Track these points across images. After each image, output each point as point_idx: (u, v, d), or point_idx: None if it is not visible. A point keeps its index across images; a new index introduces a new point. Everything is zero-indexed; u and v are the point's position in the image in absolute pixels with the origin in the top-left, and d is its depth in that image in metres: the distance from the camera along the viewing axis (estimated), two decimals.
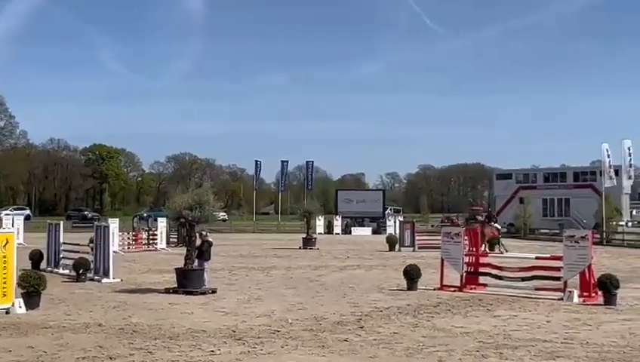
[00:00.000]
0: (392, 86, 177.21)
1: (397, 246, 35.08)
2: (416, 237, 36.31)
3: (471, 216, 40.58)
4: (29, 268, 20.47)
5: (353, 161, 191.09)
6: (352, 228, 58.97)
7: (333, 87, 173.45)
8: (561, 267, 16.43)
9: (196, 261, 17.59)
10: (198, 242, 18.00)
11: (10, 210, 68.66)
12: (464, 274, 17.98)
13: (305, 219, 40.19)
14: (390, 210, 76.16)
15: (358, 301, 15.90)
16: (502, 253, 27.66)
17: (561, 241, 17.66)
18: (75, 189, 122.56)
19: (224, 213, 41.16)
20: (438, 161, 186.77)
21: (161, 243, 34.78)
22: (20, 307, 13.75)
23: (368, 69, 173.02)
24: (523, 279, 17.25)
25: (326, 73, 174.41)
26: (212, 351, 10.14)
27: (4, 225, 36.43)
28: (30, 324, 12.38)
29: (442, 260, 18.57)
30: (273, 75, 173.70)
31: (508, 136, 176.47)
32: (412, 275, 18.02)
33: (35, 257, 22.90)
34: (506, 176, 60.72)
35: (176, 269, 17.82)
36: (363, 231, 57.88)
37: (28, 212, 78.23)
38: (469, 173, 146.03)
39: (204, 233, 18.46)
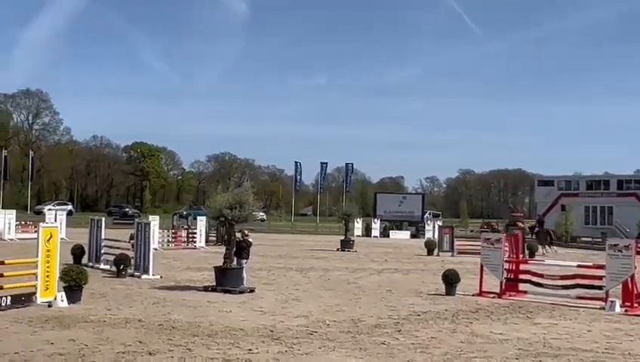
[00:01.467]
0: (433, 90, 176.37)
1: (435, 251, 34.89)
2: (455, 242, 36.06)
3: (511, 222, 40.26)
4: (72, 262, 20.77)
5: (392, 164, 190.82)
6: (391, 232, 58.81)
7: (373, 90, 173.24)
8: (604, 276, 16.19)
9: (235, 260, 17.69)
10: (239, 237, 18.08)
11: (53, 205, 69.83)
12: (504, 281, 17.81)
13: (343, 221, 40.21)
14: (429, 214, 75.78)
15: (396, 304, 15.84)
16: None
17: (603, 250, 17.41)
18: (116, 186, 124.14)
19: (263, 213, 41.31)
20: (478, 166, 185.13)
21: (200, 241, 35.03)
22: (62, 300, 13.94)
23: (408, 72, 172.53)
24: (564, 287, 17.03)
25: (367, 76, 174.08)
26: (250, 350, 10.19)
27: (47, 220, 37.03)
28: (72, 318, 12.55)
29: (482, 266, 18.41)
30: (313, 77, 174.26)
31: (550, 143, 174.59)
32: (451, 280, 17.91)
33: (77, 252, 23.23)
34: (547, 182, 60.06)
35: (215, 268, 17.93)
36: (401, 235, 57.71)
37: (70, 207, 79.34)
38: (509, 179, 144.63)
39: (246, 232, 18.53)
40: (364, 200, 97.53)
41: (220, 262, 18.02)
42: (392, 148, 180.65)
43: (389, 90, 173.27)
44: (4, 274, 13.78)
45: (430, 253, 34.64)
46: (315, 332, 11.95)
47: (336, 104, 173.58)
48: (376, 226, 58.95)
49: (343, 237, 38.35)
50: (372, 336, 11.67)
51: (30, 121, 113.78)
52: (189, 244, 34.49)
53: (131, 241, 22.09)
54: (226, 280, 17.27)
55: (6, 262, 14.61)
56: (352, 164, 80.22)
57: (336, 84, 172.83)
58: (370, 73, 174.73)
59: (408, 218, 62.47)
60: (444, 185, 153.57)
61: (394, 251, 37.25)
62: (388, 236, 57.36)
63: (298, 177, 78.67)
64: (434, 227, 46.95)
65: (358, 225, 55.87)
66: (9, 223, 38.02)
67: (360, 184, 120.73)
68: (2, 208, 49.59)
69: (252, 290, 17.21)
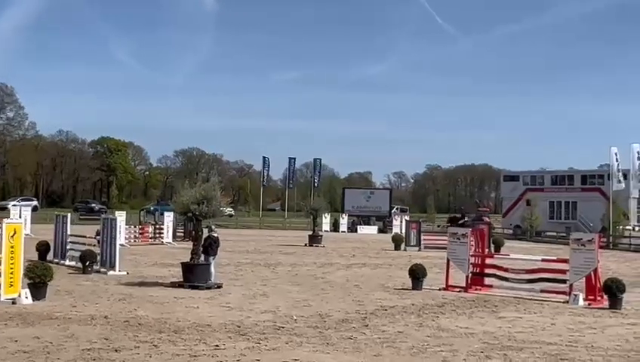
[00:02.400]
0: (401, 86, 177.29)
1: (403, 246, 35.08)
2: (422, 237, 36.31)
3: (477, 217, 40.65)
4: (36, 259, 20.57)
5: (361, 159, 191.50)
6: (358, 227, 58.99)
7: (342, 86, 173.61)
8: (567, 270, 16.41)
9: (202, 256, 17.62)
10: (206, 234, 18.01)
11: (18, 201, 68.89)
12: (470, 275, 17.97)
13: (311, 217, 40.27)
14: (396, 209, 76.16)
15: (363, 299, 15.91)
16: None
17: (567, 244, 17.63)
18: (82, 181, 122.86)
19: (231, 209, 41.22)
20: (445, 161, 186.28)
21: (167, 237, 34.88)
22: (27, 297, 13.81)
23: (378, 68, 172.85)
24: (529, 281, 17.23)
25: (336, 71, 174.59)
26: (217, 346, 10.17)
27: (11, 216, 36.56)
28: (36, 315, 12.44)
29: (448, 260, 18.56)
30: (283, 73, 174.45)
31: (516, 139, 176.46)
32: (417, 275, 18.03)
33: (42, 248, 23.00)
34: (513, 177, 60.54)
35: (182, 263, 17.86)
36: (369, 230, 57.91)
37: (35, 203, 78.32)
38: (476, 174, 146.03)
39: (212, 227, 18.45)
40: (332, 196, 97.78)
41: (187, 258, 17.95)
42: (360, 143, 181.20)
43: (358, 85, 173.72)
44: None
45: (397, 247, 34.82)
46: (283, 327, 11.96)
47: (306, 99, 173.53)
48: (344, 221, 59.14)
49: (311, 233, 38.41)
50: (339, 331, 11.71)
51: None
52: (157, 240, 34.34)
53: (97, 237, 21.91)
54: (194, 276, 17.21)
55: None
56: (320, 159, 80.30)
57: (307, 79, 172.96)
58: (341, 69, 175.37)
59: (376, 213, 62.69)
60: (412, 181, 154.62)
61: (362, 246, 37.39)
62: (356, 231, 57.54)
63: (266, 172, 78.49)
64: (401, 222, 47.21)
65: (326, 221, 55.97)
66: None
67: (328, 179, 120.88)
68: None
69: (219, 286, 17.17)
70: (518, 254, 24.53)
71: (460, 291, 17.56)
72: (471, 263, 18.15)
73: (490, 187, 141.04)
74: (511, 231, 54.15)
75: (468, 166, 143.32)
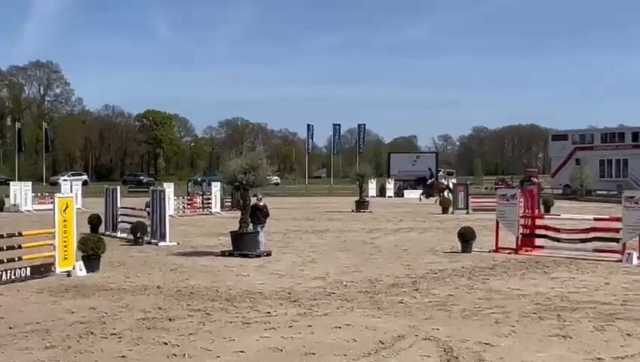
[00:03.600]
0: (443, 48, 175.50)
1: (450, 209, 34.88)
2: (470, 200, 36.04)
3: (526, 178, 40.14)
4: (89, 232, 20.92)
5: (405, 123, 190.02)
6: (405, 191, 58.72)
7: (383, 50, 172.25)
8: (620, 228, 16.13)
9: (251, 224, 17.71)
10: (255, 202, 18.07)
11: (68, 176, 70.14)
12: (520, 236, 17.78)
13: (357, 183, 40.17)
14: (443, 172, 75.61)
15: (413, 263, 15.87)
16: None
17: (618, 203, 17.30)
18: (130, 155, 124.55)
19: (277, 177, 41.44)
20: (492, 122, 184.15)
21: (215, 207, 35.15)
22: (81, 270, 14.05)
23: (419, 30, 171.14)
24: (581, 241, 16.99)
25: (376, 36, 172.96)
26: (268, 313, 10.24)
27: (62, 191, 37.22)
28: (91, 286, 12.66)
29: (497, 222, 18.38)
30: (324, 39, 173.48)
31: (564, 97, 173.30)
32: (466, 237, 17.91)
33: (94, 221, 23.38)
34: (561, 137, 59.61)
35: (231, 232, 17.98)
36: (416, 194, 57.54)
37: (85, 177, 79.74)
38: (523, 135, 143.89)
39: (259, 196, 18.51)
40: (378, 161, 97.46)
41: (235, 227, 18.07)
42: (405, 107, 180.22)
43: (400, 49, 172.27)
44: (23, 245, 13.88)
45: (445, 211, 34.65)
46: (333, 293, 11.99)
47: (349, 65, 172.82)
48: (390, 186, 58.90)
49: (357, 198, 38.36)
50: (390, 296, 11.70)
51: (42, 93, 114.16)
52: (205, 210, 34.63)
53: (147, 209, 22.18)
54: (243, 244, 17.33)
55: (24, 233, 14.73)
56: (364, 124, 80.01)
57: (348, 44, 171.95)
58: (382, 33, 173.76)
59: (422, 177, 62.29)
60: (458, 143, 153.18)
61: (409, 210, 37.26)
62: (402, 196, 57.31)
63: (311, 140, 78.50)
64: (448, 185, 46.84)
65: (372, 186, 55.85)
66: (25, 195, 38.27)
67: (373, 145, 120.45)
68: (18, 180, 49.95)
69: (269, 254, 17.28)
70: (569, 214, 24.17)
71: (510, 253, 17.40)
72: (521, 224, 17.95)
73: (538, 147, 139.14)
74: (560, 191, 53.45)
75: (515, 126, 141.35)
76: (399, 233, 23.85)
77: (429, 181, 49.74)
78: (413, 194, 57.13)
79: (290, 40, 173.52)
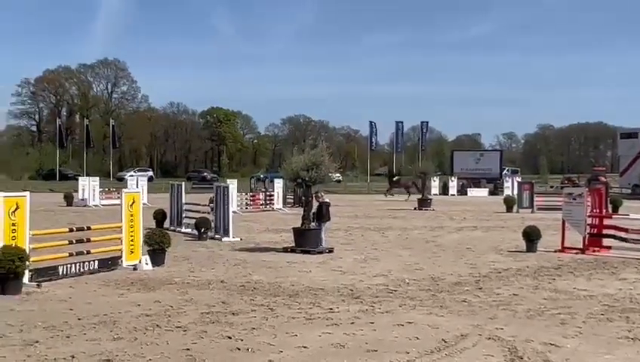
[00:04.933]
0: (507, 46, 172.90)
1: (515, 208, 34.40)
2: (535, 199, 35.46)
3: (593, 177, 39.35)
4: (154, 226, 21.28)
5: (469, 121, 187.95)
6: (468, 190, 58.14)
7: (447, 48, 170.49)
8: None
9: (313, 221, 17.73)
10: (315, 205, 18.12)
11: (134, 172, 71.58)
12: (587, 236, 17.41)
13: (420, 180, 39.92)
14: (508, 170, 74.58)
15: (476, 262, 15.69)
16: None
17: None
18: (194, 151, 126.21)
19: (339, 175, 41.52)
20: (558, 120, 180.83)
21: (277, 203, 35.38)
22: (147, 264, 14.31)
23: (483, 28, 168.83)
24: None
25: (439, 33, 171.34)
26: (331, 309, 10.26)
27: (129, 186, 37.97)
28: (156, 280, 12.88)
29: (563, 221, 18.03)
30: (387, 36, 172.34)
31: (632, 95, 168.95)
32: (532, 236, 17.63)
33: (159, 216, 23.78)
34: (631, 134, 58.02)
35: (293, 229, 18.07)
36: (479, 193, 57.02)
37: (151, 173, 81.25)
38: (590, 133, 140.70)
39: (320, 194, 18.54)
40: (441, 159, 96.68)
41: (297, 224, 18.15)
42: (468, 105, 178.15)
43: (463, 46, 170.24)
44: (91, 239, 14.19)
45: (509, 209, 34.20)
46: (395, 290, 11.95)
47: (411, 62, 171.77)
48: (453, 184, 58.38)
49: (420, 196, 38.13)
50: (453, 294, 11.60)
51: (109, 90, 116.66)
52: (267, 207, 34.89)
53: (211, 205, 22.44)
54: (305, 240, 17.40)
55: (92, 227, 15.07)
56: (427, 122, 79.49)
57: (410, 41, 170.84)
58: (445, 30, 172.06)
59: (486, 175, 61.64)
60: (523, 141, 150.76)
61: (472, 209, 36.86)
62: (466, 194, 56.75)
63: (373, 137, 78.30)
64: (513, 184, 46.22)
65: (435, 184, 55.44)
66: (93, 190, 39.16)
67: (436, 142, 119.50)
68: (86, 175, 51.13)
69: (331, 251, 17.30)
70: (638, 214, 23.53)
71: (576, 253, 17.06)
72: (588, 224, 17.57)
73: (606, 146, 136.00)
74: (629, 191, 52.12)
75: (582, 124, 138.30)
76: (462, 231, 23.62)
77: (395, 178, 51.00)
78: (476, 193, 56.61)
79: (352, 37, 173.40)
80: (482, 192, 57.38)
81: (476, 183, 60.35)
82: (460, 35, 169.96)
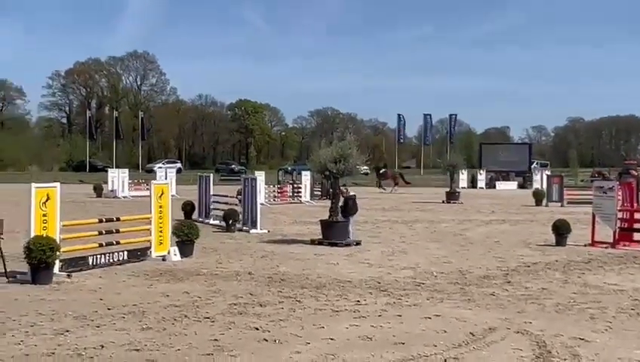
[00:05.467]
0: (536, 38, 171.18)
1: (544, 201, 34.11)
2: (565, 192, 35.14)
3: (624, 171, 38.86)
4: (182, 218, 21.42)
5: (497, 114, 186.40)
6: (497, 183, 57.75)
7: (476, 40, 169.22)
8: None
9: (340, 215, 17.72)
10: (342, 200, 18.08)
11: (163, 164, 72.08)
12: (617, 230, 17.22)
13: (448, 173, 39.74)
14: (537, 164, 73.96)
15: (504, 256, 15.59)
16: None
17: None
18: (222, 143, 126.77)
19: (366, 167, 41.42)
20: (588, 113, 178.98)
21: (305, 195, 35.43)
22: (175, 255, 14.41)
23: (512, 21, 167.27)
24: None
25: (468, 25, 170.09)
26: (358, 301, 10.26)
27: (158, 178, 38.25)
28: (185, 271, 12.97)
29: (593, 215, 17.85)
30: (415, 28, 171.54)
31: None
32: (561, 230, 17.46)
33: (188, 208, 23.94)
34: None
35: (321, 221, 18.08)
36: (508, 186, 56.63)
37: (179, 165, 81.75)
38: (621, 125, 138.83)
39: (344, 190, 18.49)
40: (469, 152, 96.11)
41: (325, 216, 18.16)
42: (497, 98, 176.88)
43: (492, 38, 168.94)
44: (121, 230, 14.32)
45: (538, 203, 33.92)
46: (423, 283, 11.92)
47: (439, 54, 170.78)
48: (481, 177, 58.04)
49: (448, 189, 37.95)
50: (481, 288, 11.54)
51: (138, 83, 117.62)
52: (295, 199, 34.97)
53: (239, 197, 22.52)
54: (333, 233, 17.40)
55: (122, 218, 15.21)
56: (455, 115, 79.17)
57: (439, 34, 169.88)
58: (474, 22, 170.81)
59: (515, 168, 61.19)
60: (552, 134, 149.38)
61: (501, 202, 36.63)
62: (494, 187, 56.37)
63: (403, 130, 78.07)
64: (542, 177, 45.84)
65: (463, 177, 55.12)
66: (122, 181, 39.52)
67: (464, 135, 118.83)
68: (115, 167, 51.60)
69: (358, 243, 17.29)
70: None
71: (606, 247, 16.87)
72: (618, 218, 17.38)
73: (637, 139, 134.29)
74: None
75: (612, 117, 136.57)
76: (491, 225, 23.48)
77: (382, 170, 51.75)
78: (505, 186, 56.21)
79: (380, 29, 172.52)
80: (511, 185, 56.97)
81: (505, 176, 59.92)
82: (489, 28, 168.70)
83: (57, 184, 12.61)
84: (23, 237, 12.28)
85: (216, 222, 22.47)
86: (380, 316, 9.33)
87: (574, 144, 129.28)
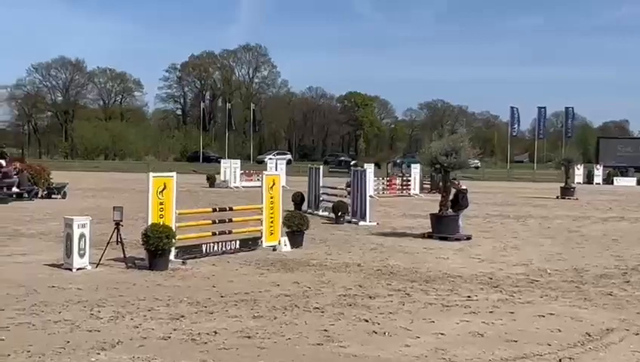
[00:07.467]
0: None
1: None
2: None
3: None
4: (292, 209, 21.66)
5: (616, 107, 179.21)
6: (615, 178, 55.62)
7: (591, 29, 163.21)
8: None
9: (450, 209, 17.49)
10: (453, 193, 17.85)
11: (274, 155, 73.10)
12: None
13: (563, 168, 38.55)
14: None
15: (623, 254, 14.99)
16: None
17: None
18: (331, 135, 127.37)
19: (477, 161, 40.78)
20: None
21: (414, 189, 35.17)
22: (286, 245, 14.58)
23: (628, 8, 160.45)
24: None
25: (582, 14, 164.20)
26: (469, 297, 10.11)
27: (269, 169, 38.83)
28: (295, 261, 13.12)
29: None
30: (528, 17, 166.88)
31: None
32: None
33: (298, 199, 24.17)
34: None
35: (431, 215, 17.90)
36: (627, 182, 54.41)
37: (289, 156, 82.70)
38: None
39: (456, 182, 18.24)
40: (585, 146, 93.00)
41: (434, 210, 17.96)
42: (616, 89, 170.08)
43: (607, 27, 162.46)
44: (233, 219, 14.62)
45: None
46: (536, 280, 11.61)
47: (554, 44, 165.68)
48: (598, 173, 56.02)
49: (563, 185, 36.84)
50: (597, 287, 11.15)
51: (250, 75, 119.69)
52: (404, 192, 34.74)
53: (348, 189, 22.58)
54: (443, 227, 17.20)
55: (234, 208, 15.53)
56: (572, 107, 76.69)
57: (552, 23, 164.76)
58: (589, 10, 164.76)
59: (634, 164, 58.76)
60: None
61: (619, 199, 35.26)
62: (612, 183, 54.31)
63: (517, 124, 76.37)
64: None
65: (578, 172, 53.34)
66: (234, 172, 40.33)
67: (580, 129, 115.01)
68: (228, 158, 52.74)
69: (469, 238, 17.03)
70: None
71: None
72: None
73: None
74: None
75: None
76: (608, 222, 22.63)
77: (352, 163, 51.32)
78: (623, 182, 54.08)
79: (492, 19, 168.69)
80: (630, 181, 54.68)
81: (623, 172, 57.63)
82: (608, 16, 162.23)
83: (174, 173, 13.00)
84: (141, 224, 12.72)
85: (326, 213, 22.61)
86: (491, 312, 9.16)
87: None
